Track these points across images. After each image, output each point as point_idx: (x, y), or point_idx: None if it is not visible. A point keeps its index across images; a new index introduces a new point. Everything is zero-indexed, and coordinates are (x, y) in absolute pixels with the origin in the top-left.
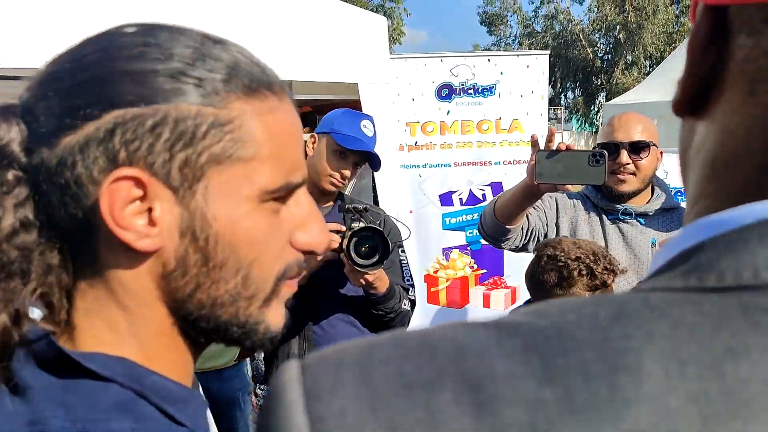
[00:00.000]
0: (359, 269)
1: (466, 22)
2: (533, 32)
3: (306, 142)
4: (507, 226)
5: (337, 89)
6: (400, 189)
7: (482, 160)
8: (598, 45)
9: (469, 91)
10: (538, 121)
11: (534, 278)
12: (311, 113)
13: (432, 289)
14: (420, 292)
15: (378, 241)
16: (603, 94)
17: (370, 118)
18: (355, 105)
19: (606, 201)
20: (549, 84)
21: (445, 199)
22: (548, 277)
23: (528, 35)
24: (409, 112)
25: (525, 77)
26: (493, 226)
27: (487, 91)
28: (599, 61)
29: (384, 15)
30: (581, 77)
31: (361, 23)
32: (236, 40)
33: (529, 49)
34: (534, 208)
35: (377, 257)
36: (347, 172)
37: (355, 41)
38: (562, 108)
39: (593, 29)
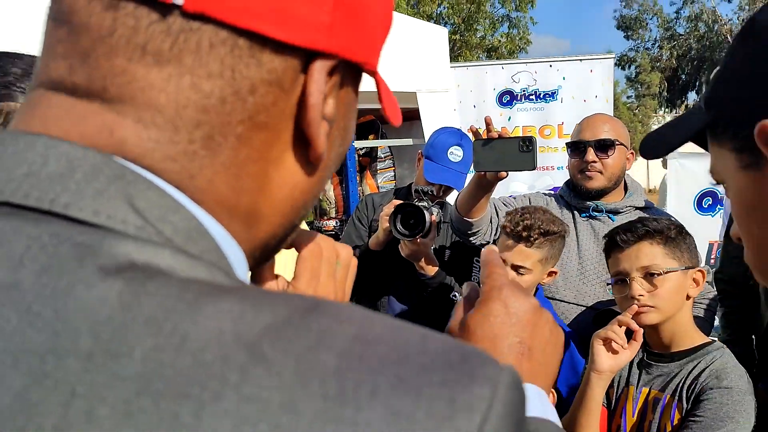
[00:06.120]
0: (399, 237)
1: (602, 27)
2: (675, 35)
3: None
4: (469, 219)
5: (398, 98)
6: None
7: (545, 165)
8: None
9: (531, 97)
10: None
11: None
12: (374, 121)
13: None
14: None
15: (419, 217)
16: None
17: None
18: (414, 113)
19: (578, 199)
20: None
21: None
22: None
23: (669, 38)
24: (471, 119)
25: (589, 82)
26: (457, 219)
27: (549, 96)
28: None
29: (510, 25)
30: None
31: (421, 34)
32: None
33: (670, 53)
34: (505, 205)
35: (417, 230)
36: None
37: (415, 52)
38: None
39: None
